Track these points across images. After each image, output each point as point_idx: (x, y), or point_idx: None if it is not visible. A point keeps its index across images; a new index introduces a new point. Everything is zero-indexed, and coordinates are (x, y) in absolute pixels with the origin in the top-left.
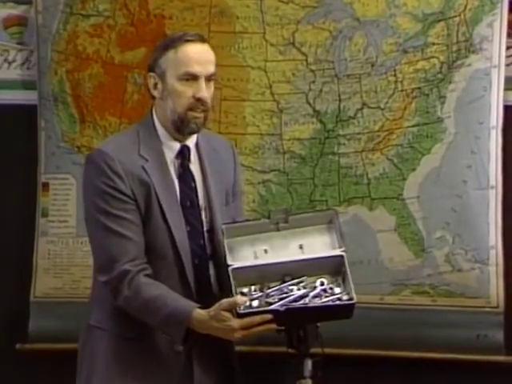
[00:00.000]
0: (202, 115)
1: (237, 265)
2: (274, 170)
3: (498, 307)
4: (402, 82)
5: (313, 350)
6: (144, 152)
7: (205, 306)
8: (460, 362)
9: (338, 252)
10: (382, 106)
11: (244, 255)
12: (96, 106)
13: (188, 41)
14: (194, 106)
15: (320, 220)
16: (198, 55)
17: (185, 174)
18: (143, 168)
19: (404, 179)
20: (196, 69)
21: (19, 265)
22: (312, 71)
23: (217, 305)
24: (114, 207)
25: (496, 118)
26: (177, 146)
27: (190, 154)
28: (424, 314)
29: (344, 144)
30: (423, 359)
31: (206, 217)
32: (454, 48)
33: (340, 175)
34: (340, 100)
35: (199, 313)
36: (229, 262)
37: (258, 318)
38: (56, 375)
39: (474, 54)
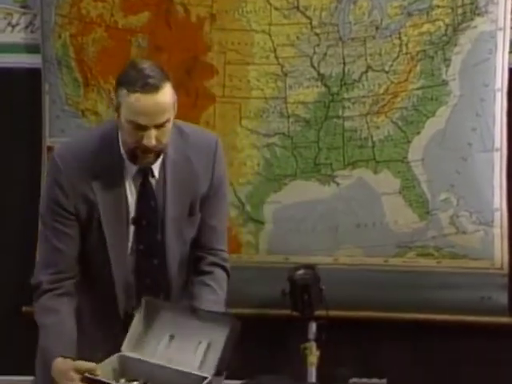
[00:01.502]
0: (152, 156)
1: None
2: (279, 134)
3: (502, 269)
4: (406, 44)
5: (317, 313)
6: (99, 166)
7: None
8: (464, 324)
9: (204, 374)
10: (387, 69)
11: (152, 337)
12: (100, 70)
13: (138, 91)
14: (142, 149)
15: (224, 325)
16: (147, 108)
17: (144, 192)
18: (91, 184)
19: (408, 142)
20: (142, 121)
21: (24, 228)
22: (316, 34)
23: (74, 363)
24: (52, 217)
25: (501, 80)
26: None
27: (152, 172)
28: (428, 276)
29: (348, 107)
30: (427, 321)
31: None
32: (460, 11)
33: (344, 138)
34: (344, 63)
35: (58, 362)
36: (123, 348)
37: None
38: None
39: (479, 16)
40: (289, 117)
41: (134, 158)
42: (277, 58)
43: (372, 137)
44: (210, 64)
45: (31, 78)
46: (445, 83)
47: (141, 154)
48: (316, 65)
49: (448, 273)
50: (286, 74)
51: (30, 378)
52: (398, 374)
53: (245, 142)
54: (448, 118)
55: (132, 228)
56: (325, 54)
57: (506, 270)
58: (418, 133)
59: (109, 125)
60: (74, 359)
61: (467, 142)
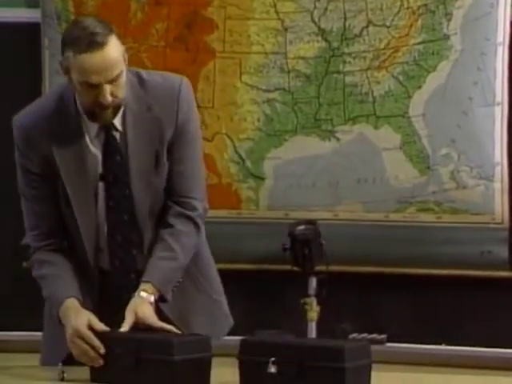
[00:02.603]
0: (110, 112)
1: None
2: (279, 89)
3: (502, 223)
4: None
5: (317, 269)
6: (59, 127)
7: (125, 284)
8: (464, 278)
9: None
10: (388, 24)
11: None
12: None
13: (84, 51)
14: (100, 107)
15: None
16: (96, 65)
17: (109, 148)
18: (51, 145)
19: (409, 97)
20: (94, 79)
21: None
22: None
23: (88, 317)
24: (25, 182)
25: (503, 34)
26: None
27: (114, 126)
28: (429, 231)
29: (349, 62)
30: (428, 276)
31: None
32: None
33: (345, 93)
34: (345, 18)
35: (68, 302)
36: None
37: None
38: None
39: None
40: (289, 72)
41: (93, 117)
42: (277, 12)
43: (373, 92)
44: (210, 19)
45: (31, 32)
46: (446, 37)
47: (99, 112)
48: (316, 19)
49: (448, 228)
50: (286, 29)
51: (32, 333)
52: (397, 329)
53: (245, 97)
54: (449, 73)
55: (101, 185)
56: (325, 9)
57: (506, 224)
58: (419, 87)
59: (64, 86)
60: (80, 301)
61: (468, 96)
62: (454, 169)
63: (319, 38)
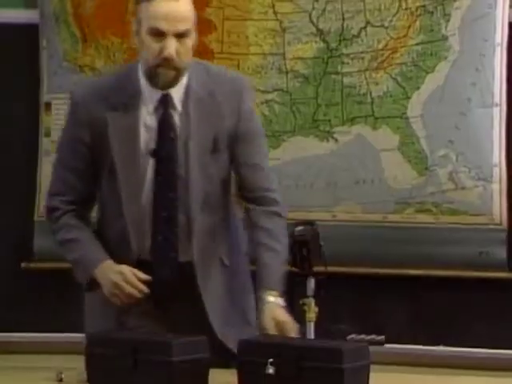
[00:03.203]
0: (172, 72)
1: None
2: (277, 90)
3: (500, 224)
4: (406, 0)
5: (316, 269)
6: (117, 100)
7: (165, 261)
8: (463, 279)
9: None
10: (386, 25)
11: None
12: (98, 25)
13: None
14: (162, 63)
15: None
16: (167, 11)
17: (164, 124)
18: (107, 118)
19: (408, 98)
20: (162, 26)
21: (23, 185)
22: None
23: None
24: (68, 151)
25: (501, 35)
26: (157, 95)
27: (172, 103)
28: (427, 231)
29: (347, 63)
30: (426, 277)
31: (183, 168)
32: None
33: (343, 94)
34: (343, 19)
35: (107, 263)
36: None
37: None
38: (60, 293)
39: None
40: (287, 73)
41: (154, 76)
42: (275, 13)
43: (371, 93)
44: (208, 19)
45: (29, 33)
46: (444, 38)
47: (161, 70)
48: (315, 20)
49: (447, 228)
50: (284, 30)
51: (30, 334)
52: (396, 330)
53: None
54: (447, 74)
55: (151, 161)
56: (323, 10)
57: (504, 225)
58: (418, 88)
59: (126, 65)
60: None
61: (467, 97)
62: (453, 170)
63: (317, 39)
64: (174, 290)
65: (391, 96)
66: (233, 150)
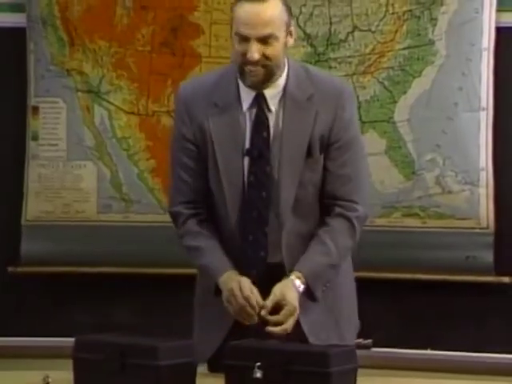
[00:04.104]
0: (260, 70)
1: None
2: None
3: (487, 228)
4: (393, 4)
5: None
6: (218, 97)
7: (254, 260)
8: (450, 283)
9: None
10: (373, 29)
11: None
12: (85, 29)
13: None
14: (247, 64)
15: None
16: (250, 16)
17: (258, 124)
18: (208, 115)
19: (395, 102)
20: (244, 30)
21: (10, 189)
22: None
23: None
24: (178, 149)
25: (488, 39)
26: (252, 94)
27: (266, 103)
28: (414, 235)
29: (335, 67)
30: (413, 281)
31: (275, 169)
32: None
33: None
34: (331, 23)
35: (228, 275)
36: None
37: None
38: (47, 298)
39: None
40: None
41: (242, 75)
42: None
43: (358, 97)
44: (196, 23)
45: (16, 37)
46: (431, 43)
47: (248, 70)
48: (302, 25)
49: (434, 232)
50: None
51: (17, 338)
52: (383, 334)
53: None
54: (434, 78)
55: (246, 159)
56: (311, 14)
57: (491, 229)
58: (405, 93)
59: (229, 65)
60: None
61: (453, 101)
62: (439, 174)
63: (305, 43)
64: (262, 292)
65: (378, 100)
66: (325, 157)
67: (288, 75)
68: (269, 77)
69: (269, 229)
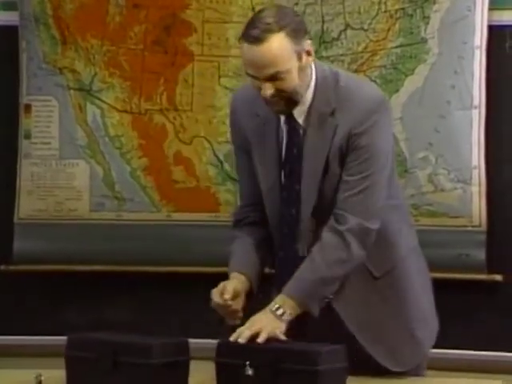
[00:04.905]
0: (280, 101)
1: None
2: None
3: (480, 226)
4: (385, 2)
5: None
6: (260, 108)
7: (286, 279)
8: (442, 281)
9: None
10: (366, 27)
11: None
12: (78, 27)
13: (245, 39)
14: (264, 98)
15: None
16: (252, 58)
17: (289, 140)
18: (250, 125)
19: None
20: (250, 71)
21: (3, 187)
22: None
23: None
24: (235, 156)
25: (480, 37)
26: None
27: (296, 121)
28: None
29: None
30: None
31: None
32: None
33: None
34: (323, 21)
35: (233, 276)
36: None
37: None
38: (40, 296)
39: None
40: None
41: (267, 104)
42: None
43: None
44: (189, 22)
45: (8, 35)
46: (424, 41)
47: (268, 102)
48: None
49: (426, 230)
50: None
51: (8, 337)
52: None
53: (223, 100)
54: (427, 76)
55: (282, 174)
56: (303, 12)
57: (483, 228)
58: (397, 91)
59: None
60: (247, 275)
61: (446, 99)
62: (432, 172)
63: None
64: None
65: None
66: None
67: (315, 89)
68: (291, 104)
69: (301, 245)
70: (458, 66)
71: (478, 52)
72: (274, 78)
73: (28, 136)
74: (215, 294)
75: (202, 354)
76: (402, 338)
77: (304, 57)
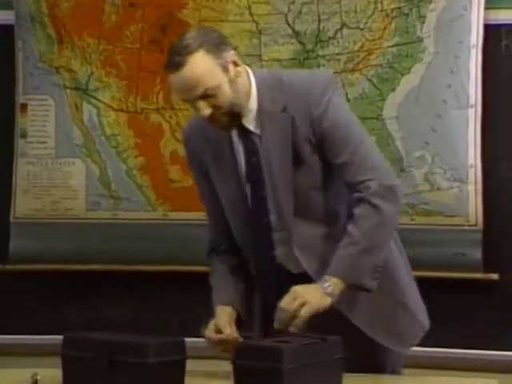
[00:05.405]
0: (222, 118)
1: None
2: None
3: (476, 225)
4: (381, 1)
5: None
6: (210, 132)
7: (267, 288)
8: (438, 280)
9: None
10: (362, 26)
11: None
12: (74, 26)
13: (166, 68)
14: (205, 119)
15: None
16: (176, 86)
17: (247, 151)
18: (204, 150)
19: (383, 99)
20: (183, 97)
21: None
22: None
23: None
24: (194, 179)
25: (476, 36)
26: None
27: (248, 130)
28: (403, 232)
29: (323, 65)
30: None
31: (270, 187)
32: None
33: None
34: (319, 20)
35: (217, 310)
36: None
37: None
38: (36, 295)
39: None
40: None
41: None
42: (252, 15)
43: (347, 94)
44: (185, 21)
45: (4, 34)
46: (420, 40)
47: (213, 122)
48: (291, 22)
49: (422, 229)
50: (260, 32)
51: (5, 336)
52: None
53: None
54: (423, 75)
55: (248, 187)
56: (299, 12)
57: (479, 226)
58: (393, 90)
59: None
60: (234, 306)
61: (442, 99)
62: (428, 171)
63: (293, 41)
64: None
65: (367, 97)
66: (324, 157)
67: (259, 93)
68: (234, 117)
69: (278, 251)
70: (454, 65)
71: (474, 51)
72: (205, 96)
73: (24, 135)
74: (210, 333)
75: (201, 353)
76: (398, 312)
77: (231, 68)
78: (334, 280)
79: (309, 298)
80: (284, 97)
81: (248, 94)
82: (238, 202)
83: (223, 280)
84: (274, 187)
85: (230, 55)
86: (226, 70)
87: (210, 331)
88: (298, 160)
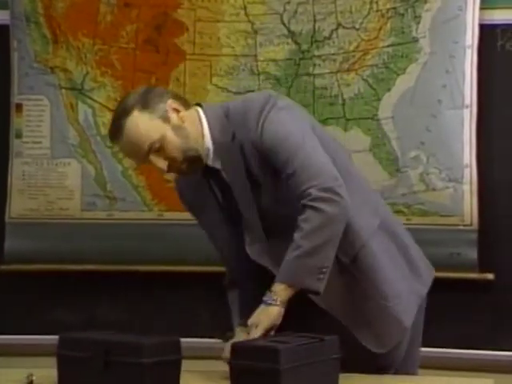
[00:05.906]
0: (181, 166)
1: None
2: (249, 91)
3: (471, 225)
4: (377, 2)
5: None
6: (191, 179)
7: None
8: (434, 280)
9: None
10: (357, 27)
11: None
12: (69, 26)
13: (113, 140)
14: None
15: None
16: (126, 150)
17: (219, 188)
18: (190, 197)
19: (379, 99)
20: (135, 159)
21: None
22: None
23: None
24: (200, 225)
25: (471, 37)
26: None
27: (209, 167)
28: None
29: (319, 65)
30: None
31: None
32: None
33: (315, 96)
34: (315, 20)
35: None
36: None
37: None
38: (31, 296)
39: None
40: (259, 74)
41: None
42: (247, 15)
43: (342, 94)
44: (180, 21)
45: None
46: (415, 40)
47: (178, 173)
48: (286, 22)
49: (418, 229)
50: (256, 32)
51: (1, 336)
52: None
53: (215, 99)
54: (418, 76)
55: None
56: (295, 12)
57: (475, 226)
58: (388, 90)
59: None
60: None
61: (437, 99)
62: (423, 171)
63: (289, 41)
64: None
65: (362, 97)
66: (272, 173)
67: (210, 129)
68: (193, 161)
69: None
70: (450, 66)
71: (469, 51)
72: (153, 150)
73: (19, 135)
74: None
75: (196, 353)
76: (381, 317)
77: (172, 116)
78: (280, 287)
79: (260, 318)
80: (231, 126)
81: (201, 134)
82: (225, 240)
83: (241, 300)
84: (244, 213)
85: (168, 105)
86: (166, 119)
87: (227, 353)
88: (254, 185)
